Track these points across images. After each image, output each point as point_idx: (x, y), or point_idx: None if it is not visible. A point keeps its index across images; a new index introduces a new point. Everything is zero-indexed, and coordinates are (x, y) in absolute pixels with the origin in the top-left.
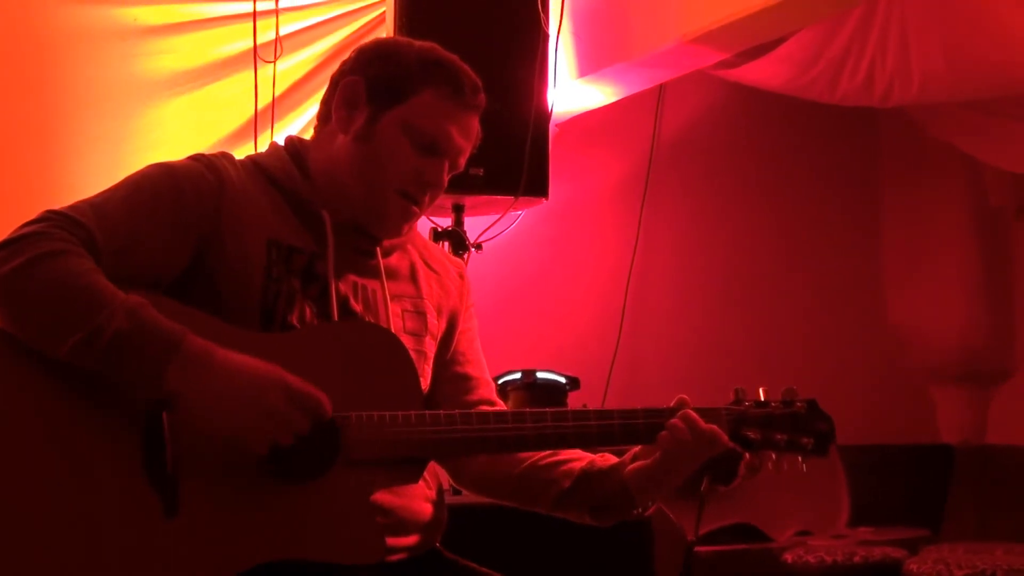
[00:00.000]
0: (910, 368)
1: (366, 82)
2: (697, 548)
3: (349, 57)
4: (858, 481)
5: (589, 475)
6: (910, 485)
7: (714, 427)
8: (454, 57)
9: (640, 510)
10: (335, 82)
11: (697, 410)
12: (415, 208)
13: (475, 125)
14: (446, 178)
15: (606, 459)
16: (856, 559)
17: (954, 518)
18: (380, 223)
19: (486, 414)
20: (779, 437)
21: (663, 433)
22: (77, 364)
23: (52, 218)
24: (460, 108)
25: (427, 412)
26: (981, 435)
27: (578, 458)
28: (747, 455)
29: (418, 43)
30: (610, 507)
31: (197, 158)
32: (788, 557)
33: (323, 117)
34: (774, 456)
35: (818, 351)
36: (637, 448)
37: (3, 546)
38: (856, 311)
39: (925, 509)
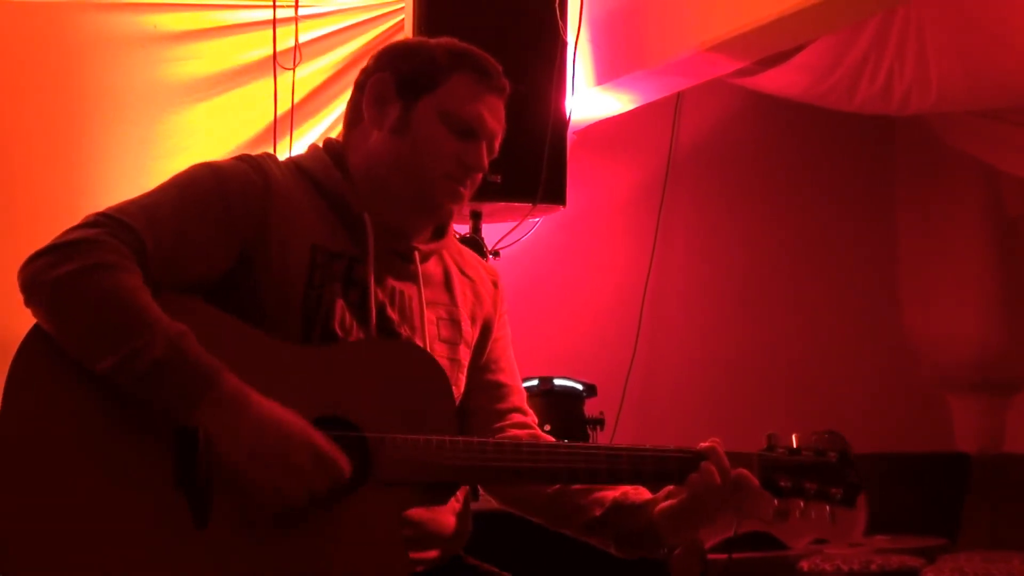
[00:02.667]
0: (926, 376)
1: (394, 77)
2: (713, 556)
3: (370, 61)
4: (874, 490)
5: (620, 507)
6: (926, 494)
7: (744, 471)
8: (474, 46)
9: (666, 550)
10: (360, 84)
11: (729, 454)
12: (462, 189)
13: (503, 109)
14: (486, 160)
15: (639, 492)
16: (873, 567)
17: (971, 527)
18: (430, 209)
19: (520, 445)
20: (809, 486)
21: (693, 475)
22: (111, 381)
23: (103, 223)
24: (488, 91)
25: (460, 439)
26: (998, 444)
27: (611, 487)
28: (776, 501)
29: (437, 38)
30: (635, 542)
31: (244, 159)
32: (804, 565)
33: (352, 120)
34: (802, 504)
35: (835, 359)
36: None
37: (36, 549)
38: (873, 319)
39: (941, 518)
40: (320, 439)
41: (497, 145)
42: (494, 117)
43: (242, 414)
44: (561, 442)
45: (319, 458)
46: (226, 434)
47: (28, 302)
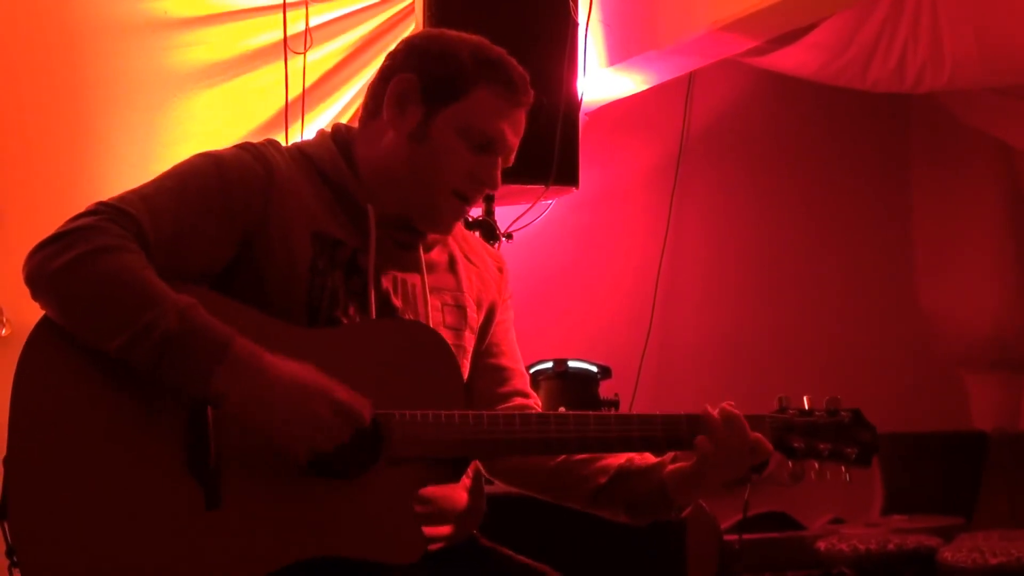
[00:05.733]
0: (943, 355)
1: (420, 79)
2: (730, 536)
3: (399, 50)
4: (891, 469)
5: (627, 473)
6: (944, 473)
7: (757, 435)
8: (503, 52)
9: (676, 511)
10: (385, 77)
11: None
12: (466, 207)
13: (524, 121)
14: (499, 176)
15: (645, 458)
16: (890, 547)
17: (988, 505)
18: (433, 222)
19: (528, 416)
20: (823, 446)
21: (701, 436)
22: (125, 361)
23: (103, 211)
24: (512, 106)
25: (469, 412)
26: (1015, 422)
27: (615, 455)
28: (790, 463)
29: (468, 37)
30: (646, 506)
31: (245, 147)
32: (822, 545)
33: (371, 111)
34: (817, 465)
35: (850, 338)
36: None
37: (51, 531)
38: (888, 298)
39: (959, 497)
40: (337, 388)
41: (513, 157)
42: (515, 132)
43: (258, 375)
44: (568, 412)
45: (338, 406)
46: (244, 397)
47: (35, 295)
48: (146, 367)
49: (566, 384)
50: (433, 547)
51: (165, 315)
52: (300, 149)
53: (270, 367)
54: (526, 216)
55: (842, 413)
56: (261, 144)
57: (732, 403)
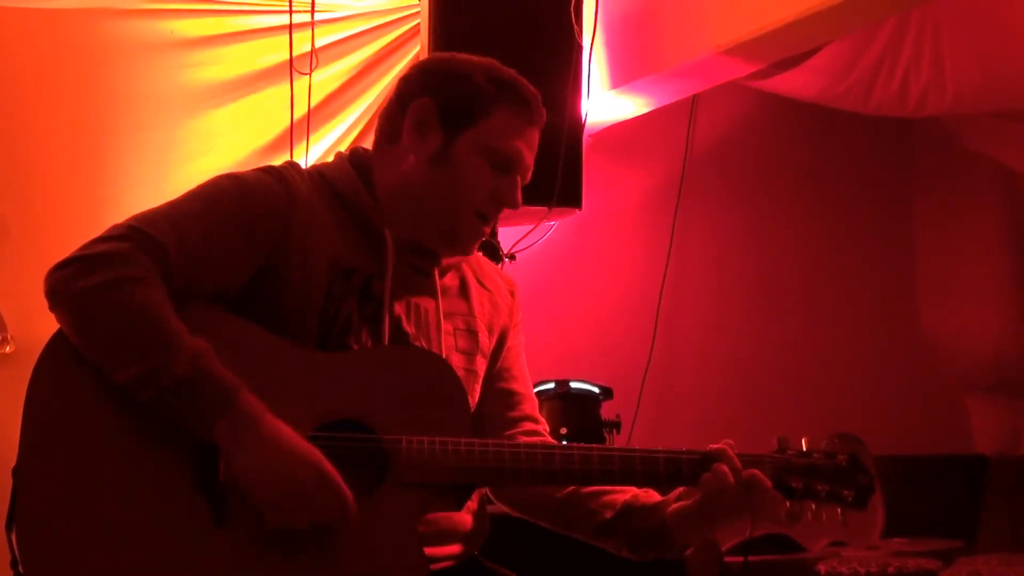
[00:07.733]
0: (944, 378)
1: (437, 103)
2: (730, 559)
3: (412, 75)
4: (892, 492)
5: (631, 509)
6: (944, 496)
7: (756, 472)
8: (515, 72)
9: (679, 550)
10: (402, 103)
11: (740, 456)
12: (486, 228)
13: (538, 139)
14: (520, 196)
15: (650, 495)
16: (890, 570)
17: (989, 529)
18: (453, 244)
19: (534, 448)
20: (820, 488)
21: (706, 475)
22: (131, 393)
23: (132, 236)
24: (528, 125)
25: (475, 441)
26: (1016, 445)
27: (622, 490)
28: (788, 503)
29: (479, 60)
30: (648, 543)
31: (268, 171)
32: (822, 568)
33: (388, 137)
34: (814, 506)
35: (852, 362)
36: (682, 488)
37: (57, 542)
38: (890, 321)
39: (959, 520)
40: (328, 468)
41: (529, 175)
42: (531, 150)
43: (255, 433)
44: (574, 445)
45: (325, 483)
46: (238, 452)
47: (53, 308)
48: (149, 403)
49: (568, 404)
50: (435, 567)
51: (178, 359)
52: (319, 172)
53: (268, 429)
54: (529, 237)
55: (840, 456)
56: (283, 167)
57: (729, 441)
